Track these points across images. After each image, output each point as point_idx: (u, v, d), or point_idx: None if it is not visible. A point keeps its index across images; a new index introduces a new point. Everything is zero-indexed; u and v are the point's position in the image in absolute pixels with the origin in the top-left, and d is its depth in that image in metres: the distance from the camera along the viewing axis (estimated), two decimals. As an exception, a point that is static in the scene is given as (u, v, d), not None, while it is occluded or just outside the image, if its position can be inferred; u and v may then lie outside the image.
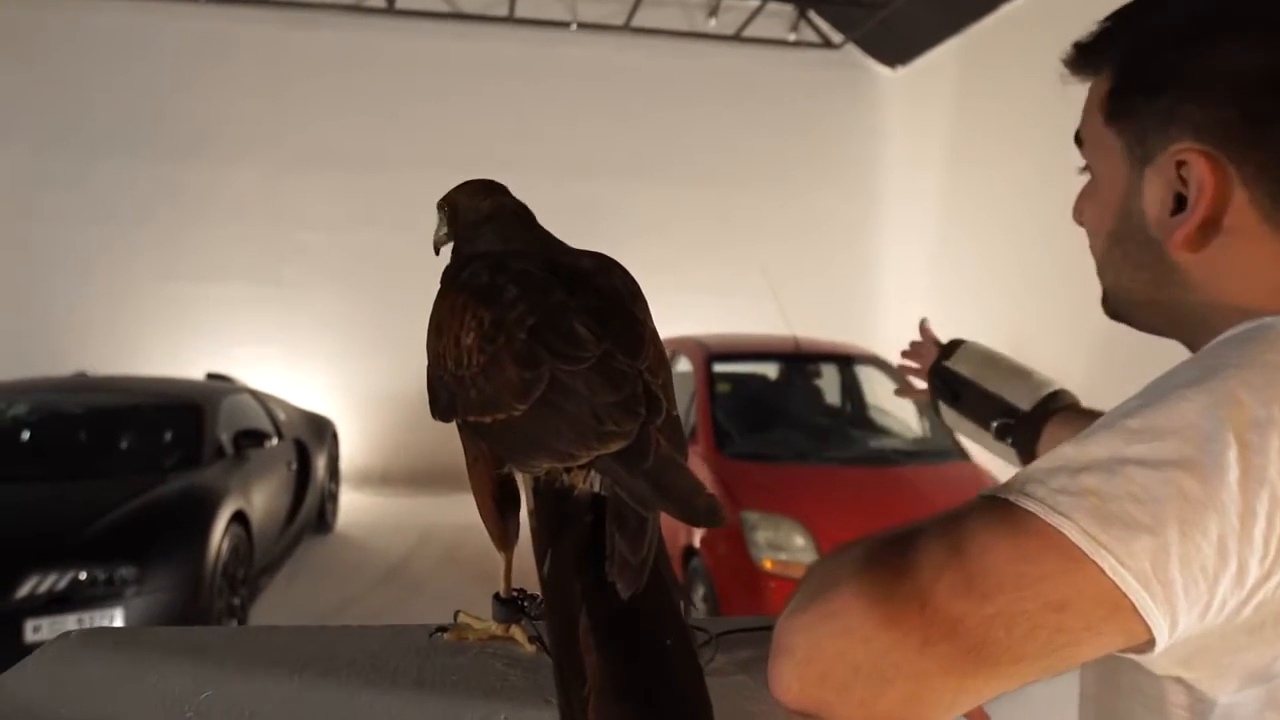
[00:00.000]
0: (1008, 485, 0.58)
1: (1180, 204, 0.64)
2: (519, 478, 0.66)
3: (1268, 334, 0.58)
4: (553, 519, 0.59)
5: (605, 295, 0.68)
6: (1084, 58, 0.72)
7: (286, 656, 0.66)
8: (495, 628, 0.75)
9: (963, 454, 4.89)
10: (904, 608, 0.55)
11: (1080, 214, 0.77)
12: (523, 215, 0.82)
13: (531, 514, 0.63)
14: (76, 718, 0.56)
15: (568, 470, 0.59)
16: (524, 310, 0.63)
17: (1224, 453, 0.53)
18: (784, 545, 3.93)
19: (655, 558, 0.54)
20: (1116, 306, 0.75)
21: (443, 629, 0.76)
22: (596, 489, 0.58)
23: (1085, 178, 0.76)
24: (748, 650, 0.71)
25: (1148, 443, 0.55)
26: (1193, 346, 0.66)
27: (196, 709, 0.57)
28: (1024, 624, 0.54)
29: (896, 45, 9.04)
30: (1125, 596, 0.53)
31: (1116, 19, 0.71)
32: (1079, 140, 0.74)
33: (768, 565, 3.87)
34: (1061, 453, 0.58)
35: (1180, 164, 0.64)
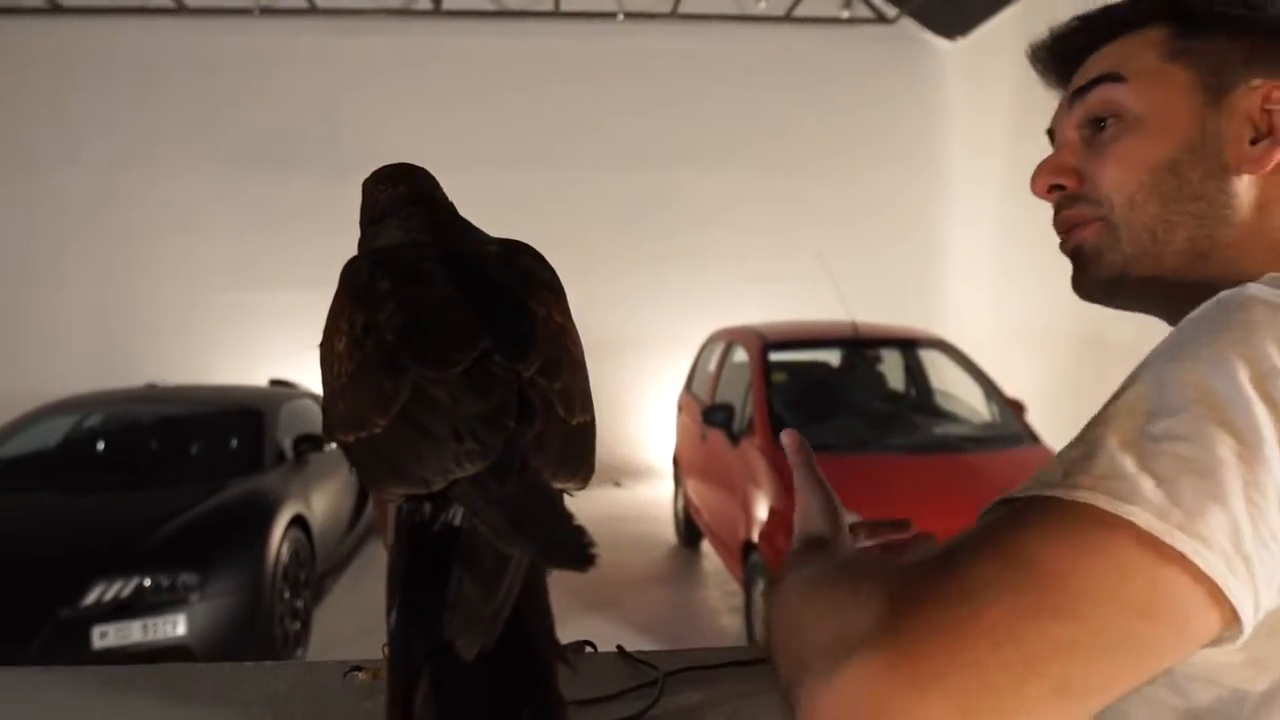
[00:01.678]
0: (1043, 482, 0.50)
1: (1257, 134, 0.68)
2: (387, 508, 0.57)
3: (1236, 298, 0.55)
4: (408, 559, 0.49)
5: (499, 287, 0.58)
6: (1125, 12, 0.75)
7: (185, 695, 0.59)
8: None
9: (1034, 438, 4.68)
10: (963, 660, 0.44)
11: (1091, 166, 0.75)
12: (431, 203, 0.72)
13: (388, 550, 0.54)
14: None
15: (428, 498, 0.50)
16: (394, 309, 0.55)
17: (1251, 409, 0.49)
18: (845, 538, 3.79)
19: (524, 604, 0.45)
20: (1130, 256, 0.72)
21: (358, 669, 0.68)
22: (456, 522, 0.48)
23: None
24: (700, 692, 0.61)
25: (1169, 418, 0.50)
26: (1193, 299, 0.60)
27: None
28: (1112, 638, 0.46)
29: (954, 16, 8.74)
30: (1213, 582, 0.46)
31: None
32: (1110, 78, 0.73)
33: (828, 559, 3.75)
34: (1082, 446, 0.51)
35: (1266, 97, 0.68)
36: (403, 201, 0.71)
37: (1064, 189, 0.77)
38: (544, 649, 0.45)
